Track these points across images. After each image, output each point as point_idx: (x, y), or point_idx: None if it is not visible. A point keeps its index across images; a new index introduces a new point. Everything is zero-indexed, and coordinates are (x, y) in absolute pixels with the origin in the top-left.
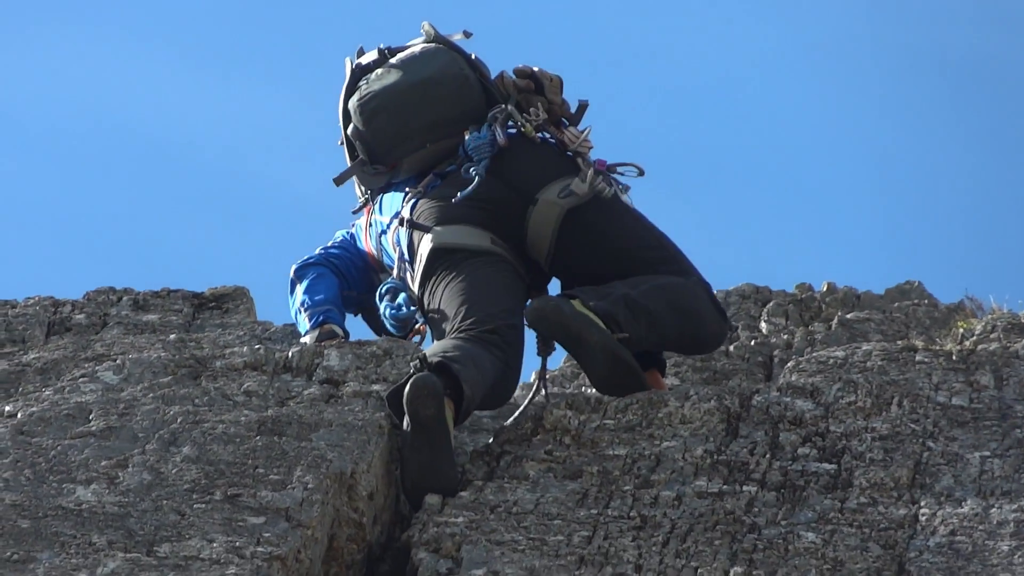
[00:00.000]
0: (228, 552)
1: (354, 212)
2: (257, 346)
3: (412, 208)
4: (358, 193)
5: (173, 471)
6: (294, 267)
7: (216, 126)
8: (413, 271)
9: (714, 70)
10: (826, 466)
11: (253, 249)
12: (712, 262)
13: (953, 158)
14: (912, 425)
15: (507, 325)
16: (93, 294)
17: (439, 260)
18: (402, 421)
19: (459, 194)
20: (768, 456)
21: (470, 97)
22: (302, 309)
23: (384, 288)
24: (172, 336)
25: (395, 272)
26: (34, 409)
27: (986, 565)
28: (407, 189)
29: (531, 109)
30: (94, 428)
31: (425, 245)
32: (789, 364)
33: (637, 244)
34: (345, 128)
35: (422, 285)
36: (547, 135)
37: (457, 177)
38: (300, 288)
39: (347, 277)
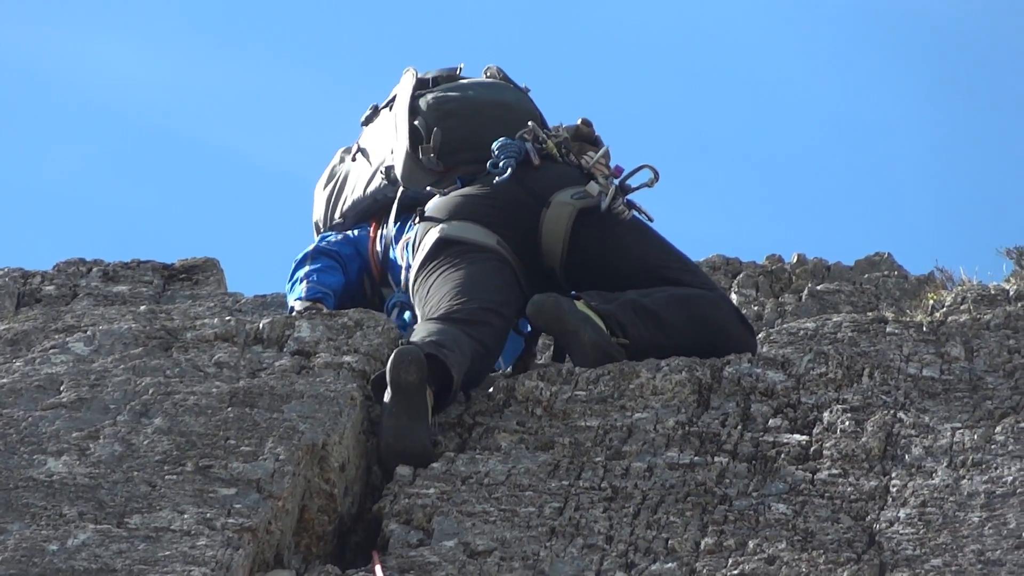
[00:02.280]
0: (199, 523)
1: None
2: (228, 317)
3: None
4: (355, 197)
5: (144, 442)
6: (314, 246)
7: (186, 98)
8: (413, 260)
9: (683, 39)
10: (797, 437)
11: (223, 221)
12: (682, 233)
13: (924, 129)
14: (883, 396)
15: (492, 311)
16: (63, 265)
17: (440, 251)
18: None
19: (478, 186)
20: (739, 427)
21: (532, 110)
22: (304, 280)
23: (392, 301)
24: (143, 307)
25: (404, 284)
26: (4, 380)
27: (956, 536)
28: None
29: (555, 127)
30: (65, 399)
31: (431, 236)
32: (760, 335)
33: (657, 256)
34: (412, 120)
35: (418, 272)
36: (568, 154)
37: (481, 179)
38: (311, 266)
39: (348, 279)
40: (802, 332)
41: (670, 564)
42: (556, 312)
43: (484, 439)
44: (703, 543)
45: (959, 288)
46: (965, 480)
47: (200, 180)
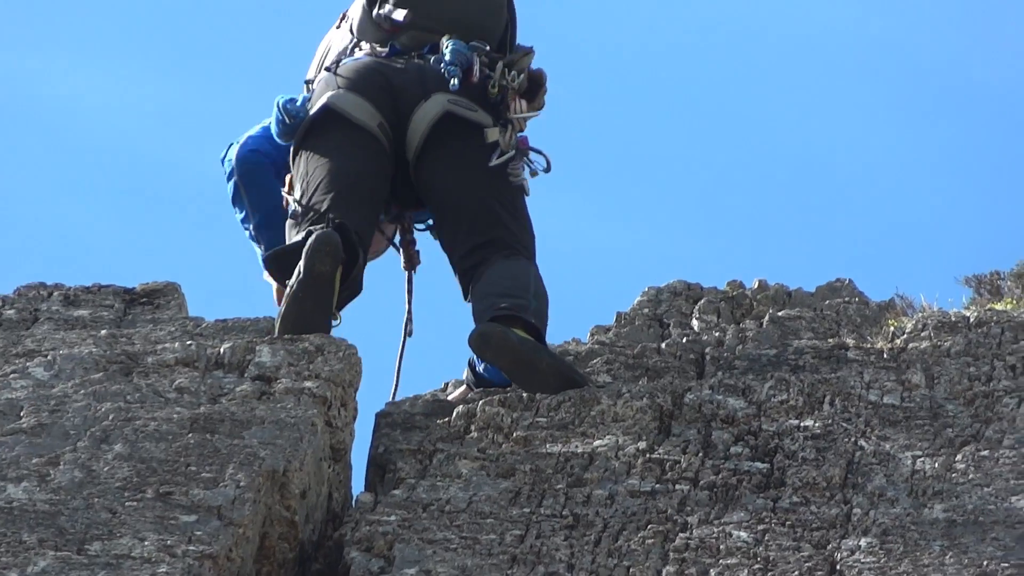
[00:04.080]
0: (159, 551)
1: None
2: (189, 342)
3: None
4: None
5: (105, 469)
6: (239, 161)
7: (145, 121)
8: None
9: (646, 66)
10: (758, 465)
11: (183, 245)
12: (644, 259)
13: (883, 156)
14: (844, 424)
15: (360, 219)
16: (24, 289)
17: (326, 122)
18: (288, 275)
19: (389, 60)
20: (701, 455)
21: (496, 26)
22: (251, 228)
23: (284, 99)
24: (103, 332)
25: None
26: None
27: (917, 565)
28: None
29: (512, 74)
30: (25, 425)
31: (322, 100)
32: (721, 362)
33: (498, 199)
34: None
35: (303, 138)
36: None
37: (402, 55)
38: (247, 198)
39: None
40: (763, 358)
41: None
42: (505, 343)
43: (445, 466)
44: (664, 571)
45: (919, 315)
46: (926, 509)
47: (159, 202)
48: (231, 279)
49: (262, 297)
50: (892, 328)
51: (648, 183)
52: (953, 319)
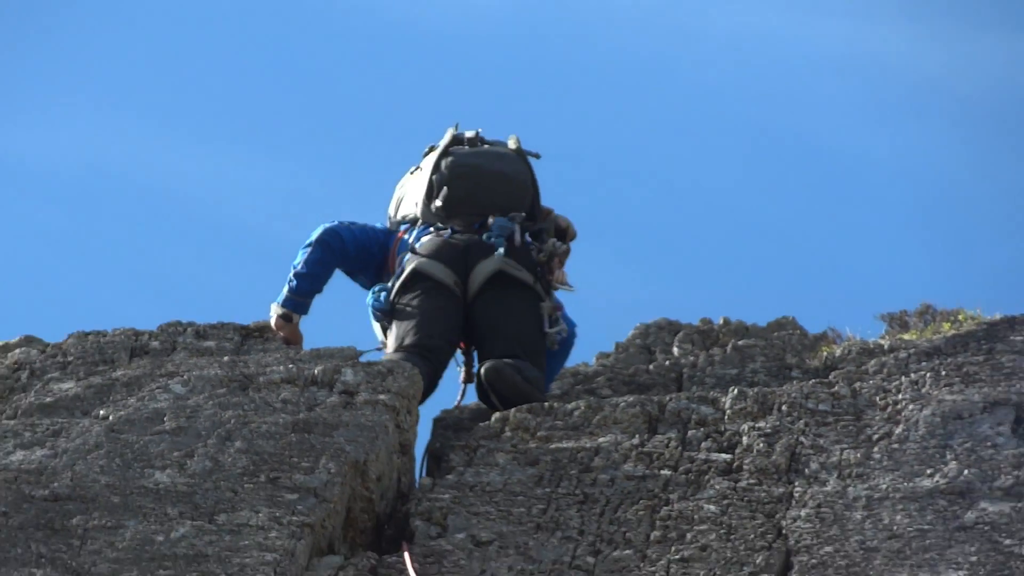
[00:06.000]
0: (270, 520)
1: (395, 223)
2: (291, 365)
3: (430, 246)
4: (404, 210)
5: (228, 460)
6: (323, 232)
7: (248, 196)
8: (397, 279)
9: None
10: (723, 456)
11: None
12: (636, 301)
13: (817, 221)
14: (788, 425)
15: (442, 346)
16: (165, 326)
17: (414, 281)
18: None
19: (459, 235)
20: (679, 448)
21: (524, 201)
22: (294, 279)
23: (377, 287)
24: (226, 358)
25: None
26: (122, 413)
27: (844, 530)
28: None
29: (549, 242)
30: (167, 427)
31: (410, 264)
32: (695, 379)
33: (529, 337)
34: (433, 172)
35: (398, 292)
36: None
37: (464, 230)
38: (305, 255)
39: (348, 257)
40: (727, 376)
41: (628, 551)
42: (515, 383)
43: (486, 457)
44: (652, 535)
45: (846, 343)
46: (850, 488)
47: (268, 259)
48: (322, 320)
49: (344, 332)
50: (825, 353)
51: (637, 239)
52: (871, 347)
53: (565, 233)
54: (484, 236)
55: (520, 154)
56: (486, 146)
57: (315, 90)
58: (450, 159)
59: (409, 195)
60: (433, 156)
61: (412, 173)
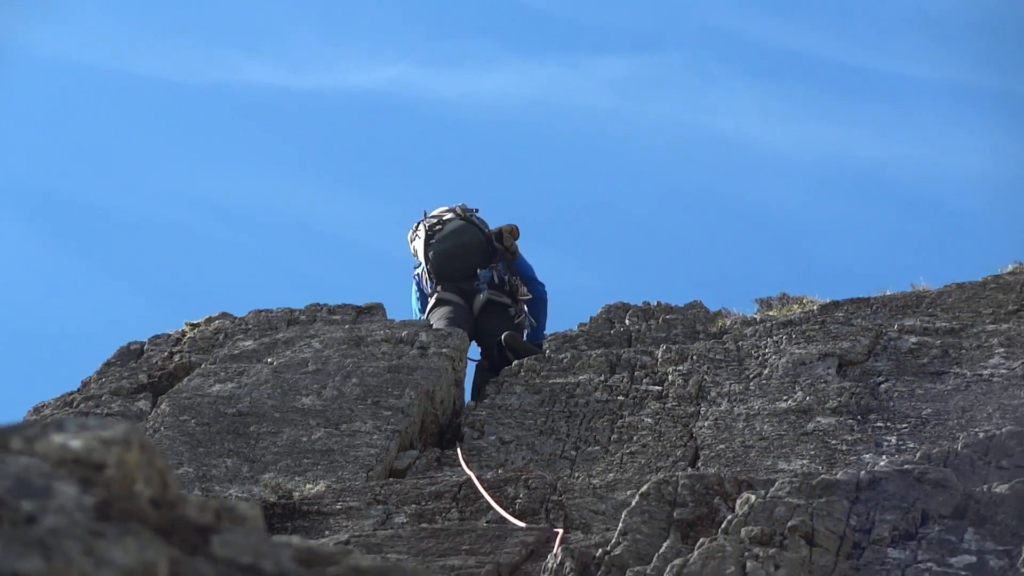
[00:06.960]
0: (374, 428)
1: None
2: (387, 330)
3: (441, 289)
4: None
5: (348, 390)
6: (434, 296)
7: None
8: (428, 303)
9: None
10: (656, 387)
11: (391, 285)
12: (604, 288)
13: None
14: (697, 368)
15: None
16: (309, 306)
17: (440, 302)
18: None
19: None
20: (629, 383)
21: (485, 250)
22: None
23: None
24: (347, 326)
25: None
26: (282, 360)
27: (731, 434)
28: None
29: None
30: (310, 369)
31: (436, 296)
32: (640, 339)
33: (508, 328)
34: (425, 260)
35: (432, 307)
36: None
37: (469, 286)
38: (419, 303)
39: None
40: (659, 338)
41: (596, 448)
42: (525, 349)
43: (509, 388)
44: (612, 437)
45: (733, 317)
46: (736, 408)
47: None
48: (402, 300)
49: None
50: (720, 323)
51: (593, 238)
52: (749, 319)
53: (511, 233)
54: (475, 284)
55: (466, 218)
56: (446, 228)
57: None
58: (430, 252)
59: (419, 254)
60: (421, 244)
61: (415, 231)
